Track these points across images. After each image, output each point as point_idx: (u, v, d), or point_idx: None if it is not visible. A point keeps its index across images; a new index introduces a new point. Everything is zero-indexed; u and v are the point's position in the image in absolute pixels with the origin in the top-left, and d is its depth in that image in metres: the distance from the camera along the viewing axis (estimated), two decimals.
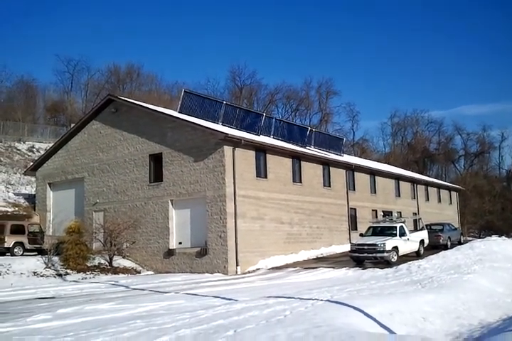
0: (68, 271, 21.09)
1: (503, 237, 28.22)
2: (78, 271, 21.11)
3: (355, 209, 31.17)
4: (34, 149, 39.90)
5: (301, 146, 29.66)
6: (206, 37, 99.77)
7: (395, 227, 22.29)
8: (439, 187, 43.82)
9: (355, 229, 30.41)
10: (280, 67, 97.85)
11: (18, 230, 23.71)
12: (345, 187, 30.50)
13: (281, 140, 29.03)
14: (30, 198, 30.96)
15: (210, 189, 22.13)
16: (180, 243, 23.25)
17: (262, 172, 24.13)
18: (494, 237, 29.44)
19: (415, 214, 36.57)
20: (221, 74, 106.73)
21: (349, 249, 21.92)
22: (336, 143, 34.48)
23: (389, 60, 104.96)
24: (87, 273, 21.11)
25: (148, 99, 50.00)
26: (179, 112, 26.89)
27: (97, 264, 22.56)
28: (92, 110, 28.09)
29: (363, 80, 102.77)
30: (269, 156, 24.56)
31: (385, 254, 20.51)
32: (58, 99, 56.38)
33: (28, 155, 38.58)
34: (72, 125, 31.74)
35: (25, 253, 23.37)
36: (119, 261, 23.42)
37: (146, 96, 55.87)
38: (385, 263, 20.41)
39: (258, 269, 21.77)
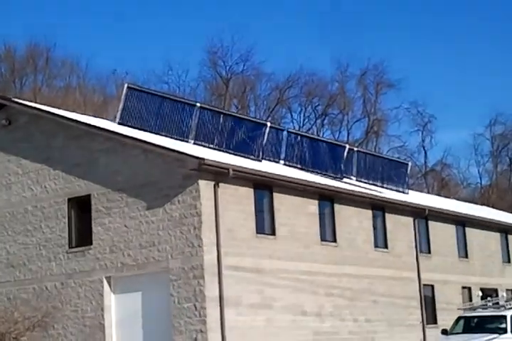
0: None
1: None
2: None
3: (431, 286, 31.08)
4: None
5: (335, 178, 29.77)
6: None
7: (504, 317, 22.21)
8: None
9: (434, 321, 30.24)
10: (294, 43, 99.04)
11: None
12: (414, 247, 30.47)
13: (299, 168, 29.13)
14: None
15: (176, 256, 22.10)
16: None
17: (266, 224, 24.10)
18: None
19: None
20: (192, 55, 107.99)
21: None
22: (395, 172, 34.65)
23: (480, 32, 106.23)
24: None
25: (65, 101, 50.50)
26: (119, 124, 27.11)
27: None
28: None
29: (438, 64, 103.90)
30: (278, 197, 24.62)
31: None
32: None
33: None
34: None
35: None
36: None
37: (62, 96, 56.35)
38: None
39: None
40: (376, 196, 29.07)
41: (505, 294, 26.08)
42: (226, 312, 21.72)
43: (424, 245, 31.29)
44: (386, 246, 29.19)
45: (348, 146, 32.55)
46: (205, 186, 22.05)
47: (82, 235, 24.38)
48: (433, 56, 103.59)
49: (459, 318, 23.30)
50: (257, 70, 70.44)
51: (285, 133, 30.26)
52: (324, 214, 26.60)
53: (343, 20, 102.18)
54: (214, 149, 26.64)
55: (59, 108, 30.93)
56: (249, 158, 26.75)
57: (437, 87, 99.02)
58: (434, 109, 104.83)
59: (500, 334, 21.40)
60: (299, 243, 25.01)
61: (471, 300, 31.20)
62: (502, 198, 66.62)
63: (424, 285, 30.52)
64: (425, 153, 75.14)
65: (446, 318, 28.69)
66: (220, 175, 22.27)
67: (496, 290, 33.16)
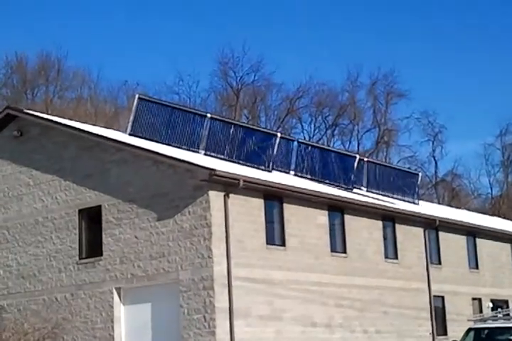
0: None
1: None
2: None
3: (442, 297, 30.98)
4: None
5: (345, 189, 29.77)
6: (177, 4, 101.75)
7: None
8: None
9: (444, 333, 30.11)
10: (304, 53, 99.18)
11: None
12: (425, 258, 30.41)
13: (310, 178, 29.17)
14: None
15: (186, 267, 22.08)
16: None
17: (276, 235, 24.09)
18: None
19: None
20: (203, 66, 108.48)
21: None
22: (405, 182, 34.61)
23: (491, 37, 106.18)
24: None
25: (76, 112, 50.66)
26: (131, 135, 27.18)
27: None
28: None
29: (449, 72, 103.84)
30: (288, 208, 24.62)
31: None
32: None
33: None
34: None
35: None
36: None
37: (74, 107, 56.52)
38: None
39: None
40: (386, 207, 29.03)
41: None
42: (236, 323, 21.69)
43: (434, 256, 31.23)
44: (396, 257, 29.12)
45: (358, 157, 32.54)
46: (215, 197, 22.07)
47: (92, 246, 24.44)
48: (441, 63, 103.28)
49: (469, 330, 23.17)
50: (267, 81, 70.47)
51: (295, 143, 30.34)
52: (334, 225, 26.58)
53: (348, 26, 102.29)
54: (224, 160, 26.67)
55: (70, 119, 31.06)
56: (259, 168, 26.79)
57: (447, 96, 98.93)
58: (445, 119, 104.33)
59: None
60: (309, 254, 24.99)
61: (481, 311, 31.07)
62: None
63: (435, 296, 30.44)
64: (436, 163, 75.00)
65: (456, 330, 28.58)
66: (230, 185, 22.28)
67: (506, 302, 33.11)
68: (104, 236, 24.03)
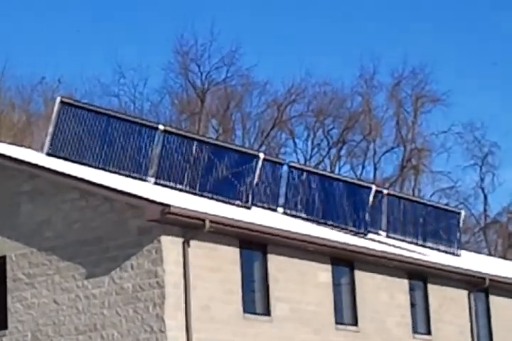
0: None
1: None
2: None
3: None
4: None
5: (356, 233, 29.96)
6: None
7: None
8: None
9: None
10: (298, 41, 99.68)
11: None
12: (469, 333, 30.54)
13: (305, 218, 29.31)
14: None
15: None
16: None
17: (257, 300, 24.21)
18: None
19: None
20: (154, 57, 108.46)
21: None
22: (443, 225, 34.81)
23: None
24: None
25: None
26: (49, 154, 27.21)
27: None
28: None
29: (503, 67, 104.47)
30: (274, 260, 24.69)
31: None
32: None
33: None
34: None
35: None
36: None
37: None
38: None
39: None
40: (415, 259, 29.06)
41: None
42: None
43: (483, 330, 31.32)
44: (429, 332, 29.25)
45: (374, 188, 32.73)
46: (170, 244, 22.04)
47: None
48: (491, 56, 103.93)
49: None
50: (245, 78, 70.74)
51: (285, 168, 30.53)
52: (341, 285, 26.74)
53: (361, 3, 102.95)
54: (183, 191, 26.77)
55: None
56: (233, 204, 26.88)
57: (500, 103, 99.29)
58: (498, 135, 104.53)
59: None
60: (305, 327, 24.99)
61: None
62: None
63: None
64: (485, 197, 75.30)
65: None
66: (191, 228, 22.28)
67: None
68: (9, 300, 23.94)
